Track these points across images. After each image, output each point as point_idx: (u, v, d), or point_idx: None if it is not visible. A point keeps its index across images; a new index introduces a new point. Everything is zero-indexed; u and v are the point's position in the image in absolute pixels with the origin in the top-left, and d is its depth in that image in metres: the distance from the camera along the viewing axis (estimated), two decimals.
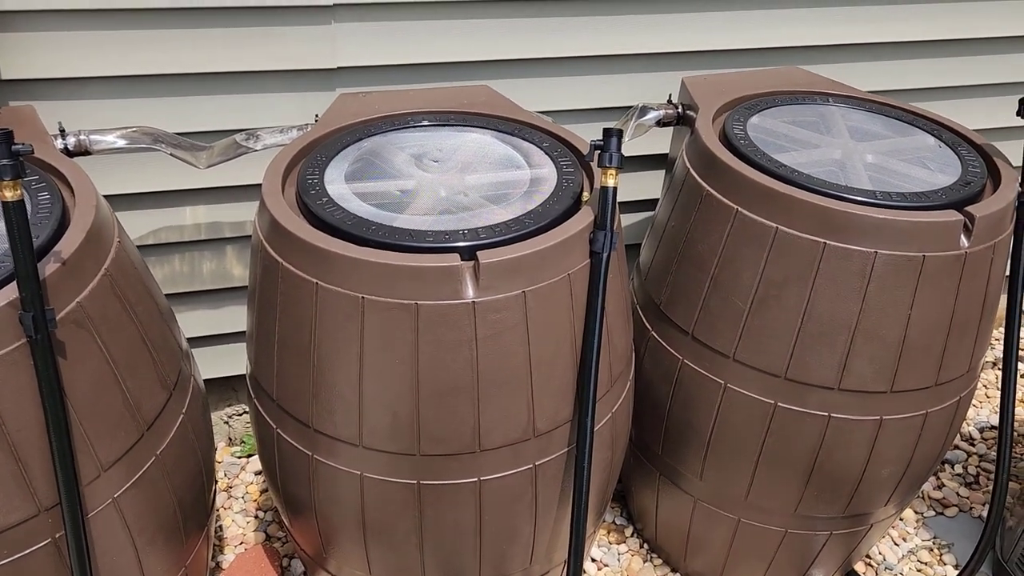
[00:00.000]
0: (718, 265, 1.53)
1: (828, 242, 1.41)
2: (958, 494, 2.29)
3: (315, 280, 1.25)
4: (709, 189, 1.54)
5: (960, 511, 2.24)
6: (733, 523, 1.75)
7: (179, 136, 1.66)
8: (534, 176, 1.47)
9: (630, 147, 1.99)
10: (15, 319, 1.11)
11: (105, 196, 1.41)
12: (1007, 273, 1.57)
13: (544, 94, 1.97)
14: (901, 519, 2.21)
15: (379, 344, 1.25)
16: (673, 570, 2.02)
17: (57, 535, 1.27)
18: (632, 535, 2.11)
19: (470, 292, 1.22)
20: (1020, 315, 1.59)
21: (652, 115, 1.82)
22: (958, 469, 2.38)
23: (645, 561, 2.04)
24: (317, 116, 1.64)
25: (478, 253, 1.22)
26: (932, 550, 2.13)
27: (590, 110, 2.02)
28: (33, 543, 1.25)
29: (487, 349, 1.26)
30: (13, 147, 1.05)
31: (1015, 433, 2.52)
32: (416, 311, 1.22)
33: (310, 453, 1.39)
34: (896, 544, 2.14)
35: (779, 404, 1.54)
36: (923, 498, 2.28)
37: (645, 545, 2.08)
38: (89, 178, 1.37)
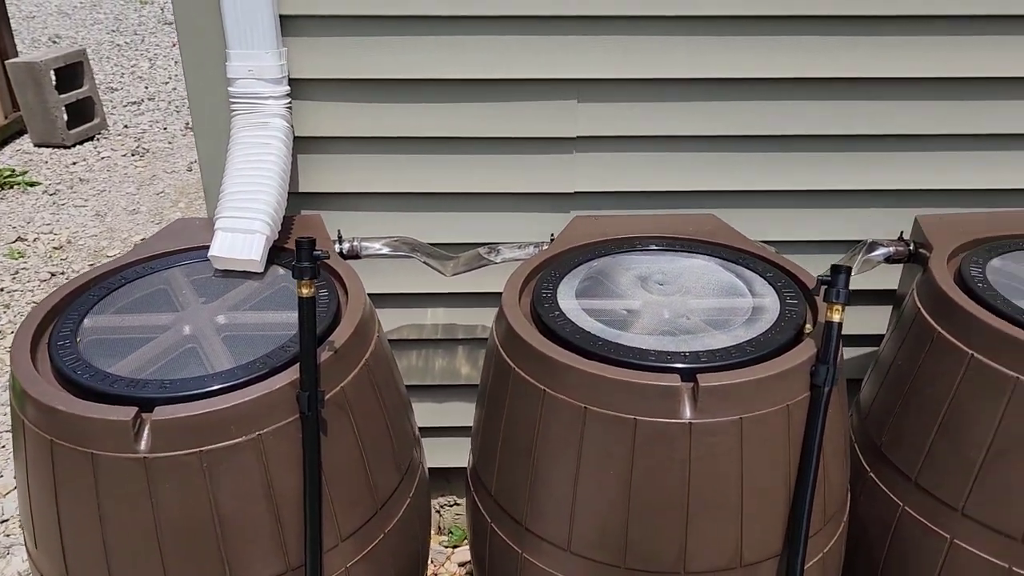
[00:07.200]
0: (948, 411, 1.47)
1: None
2: None
3: (543, 387, 1.36)
4: (940, 331, 1.50)
5: None
6: None
7: (431, 246, 1.88)
8: (756, 304, 1.51)
9: (853, 281, 1.99)
10: (293, 397, 1.31)
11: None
12: None
13: (768, 224, 2.02)
14: None
15: (596, 454, 1.32)
16: None
17: None
18: None
19: (687, 412, 1.28)
20: None
21: (881, 251, 1.81)
22: None
23: None
24: (553, 235, 1.80)
25: (698, 376, 1.28)
26: None
27: (813, 242, 2.04)
28: None
29: (700, 470, 1.30)
30: (314, 253, 1.27)
31: None
32: (634, 426, 1.29)
33: (520, 551, 1.47)
34: None
35: (1014, 569, 1.43)
36: None
37: None
38: (360, 280, 1.60)
